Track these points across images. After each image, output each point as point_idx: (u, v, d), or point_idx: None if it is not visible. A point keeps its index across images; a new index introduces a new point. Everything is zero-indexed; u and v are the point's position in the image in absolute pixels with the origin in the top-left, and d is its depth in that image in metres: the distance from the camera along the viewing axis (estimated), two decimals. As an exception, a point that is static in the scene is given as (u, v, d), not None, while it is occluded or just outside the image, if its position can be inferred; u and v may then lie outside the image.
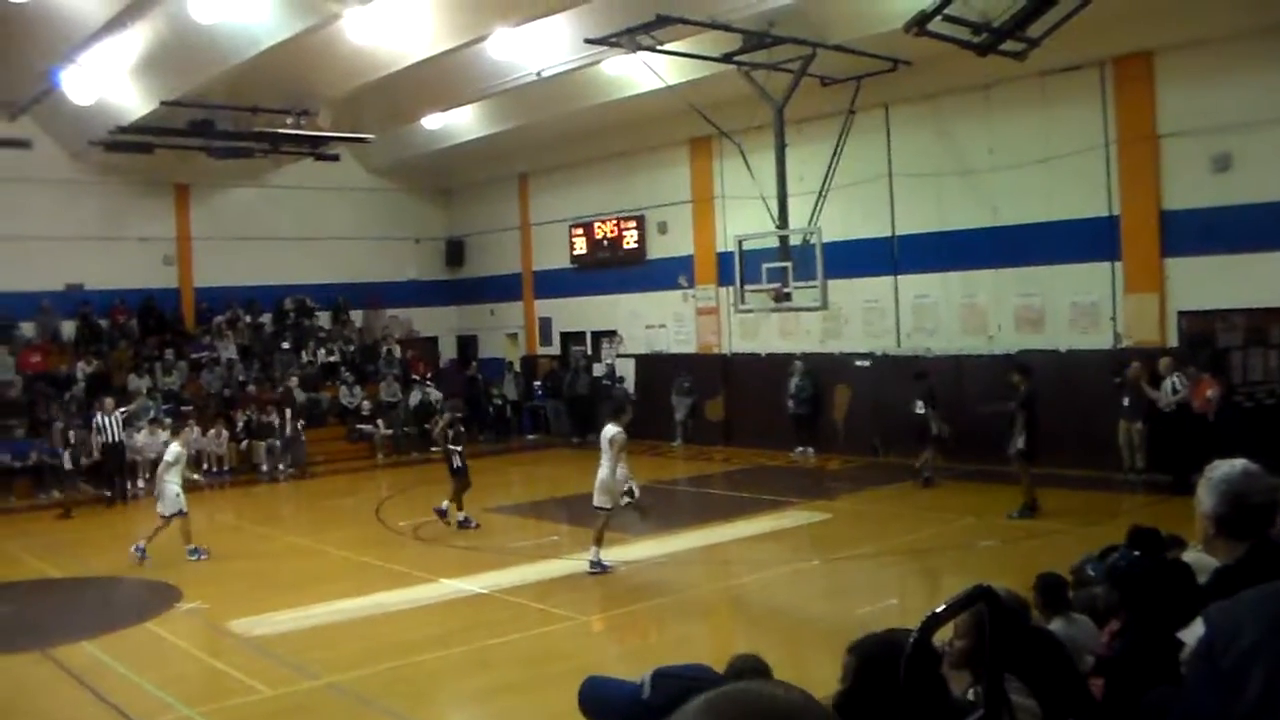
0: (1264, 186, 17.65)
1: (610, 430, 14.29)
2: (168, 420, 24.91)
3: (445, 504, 18.00)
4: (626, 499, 14.56)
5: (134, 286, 28.56)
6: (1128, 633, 5.30)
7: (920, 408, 19.71)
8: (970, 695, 3.91)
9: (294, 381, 27.88)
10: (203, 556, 16.26)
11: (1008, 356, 20.37)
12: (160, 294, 29.32)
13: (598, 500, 14.38)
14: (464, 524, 18.00)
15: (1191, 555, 5.68)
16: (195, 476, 16.97)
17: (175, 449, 16.79)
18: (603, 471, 14.30)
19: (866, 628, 4.34)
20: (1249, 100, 17.74)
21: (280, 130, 24.04)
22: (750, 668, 4.52)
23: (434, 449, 21.98)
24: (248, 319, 30.42)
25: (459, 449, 18.25)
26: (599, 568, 14.32)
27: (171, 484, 16.28)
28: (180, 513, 16.30)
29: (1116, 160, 19.67)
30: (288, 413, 26.60)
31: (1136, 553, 5.84)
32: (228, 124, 23.72)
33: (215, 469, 25.22)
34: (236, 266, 29.85)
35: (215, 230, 29.64)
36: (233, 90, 21.78)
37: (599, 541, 14.39)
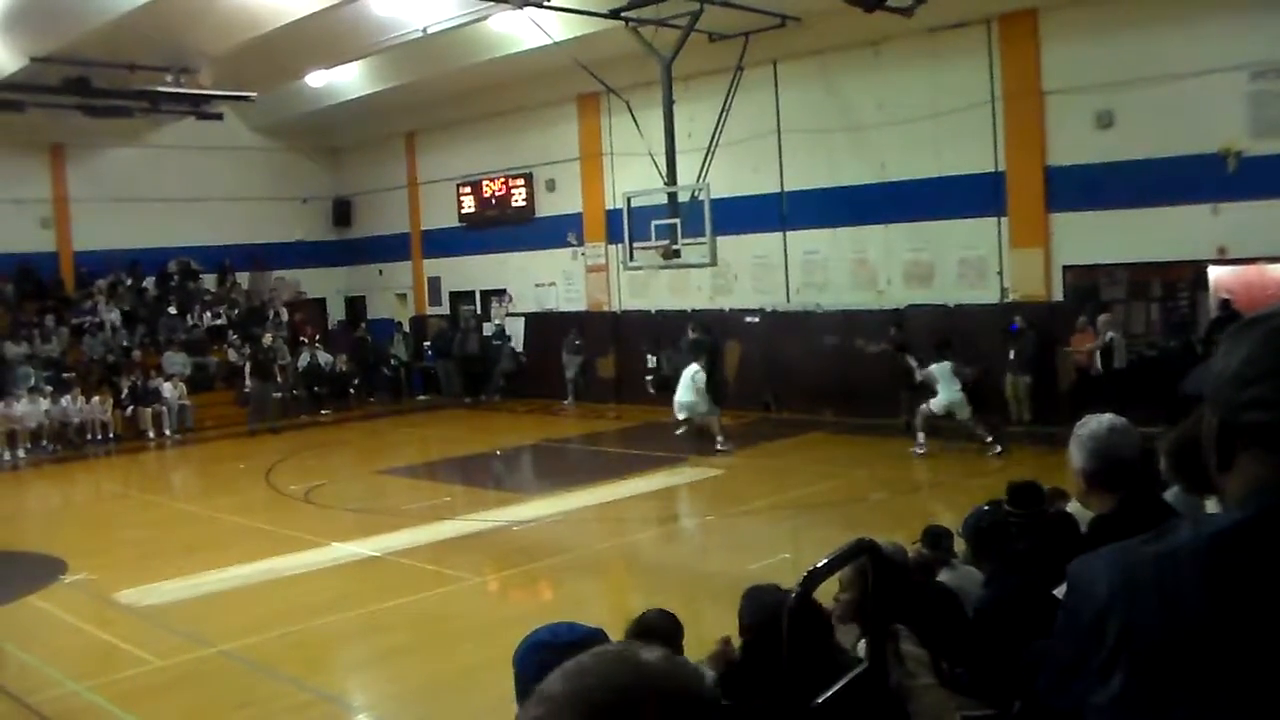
0: (1145, 143, 17.95)
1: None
2: (48, 389, 24.41)
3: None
4: None
5: (8, 250, 27.66)
6: (990, 583, 5.49)
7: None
8: (861, 648, 3.95)
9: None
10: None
11: (896, 311, 20.70)
12: (38, 258, 28.51)
13: None
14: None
15: (1075, 507, 5.81)
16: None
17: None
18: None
19: (760, 582, 4.36)
20: (1131, 58, 18.00)
21: (160, 89, 23.40)
22: (650, 626, 4.44)
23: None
24: (130, 283, 29.74)
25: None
26: None
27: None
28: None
29: (1002, 117, 19.87)
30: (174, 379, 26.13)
31: (986, 507, 6.09)
32: (104, 82, 23.04)
33: (100, 436, 24.68)
34: (117, 229, 29.08)
35: (94, 192, 28.84)
36: (109, 47, 21.10)
37: None
